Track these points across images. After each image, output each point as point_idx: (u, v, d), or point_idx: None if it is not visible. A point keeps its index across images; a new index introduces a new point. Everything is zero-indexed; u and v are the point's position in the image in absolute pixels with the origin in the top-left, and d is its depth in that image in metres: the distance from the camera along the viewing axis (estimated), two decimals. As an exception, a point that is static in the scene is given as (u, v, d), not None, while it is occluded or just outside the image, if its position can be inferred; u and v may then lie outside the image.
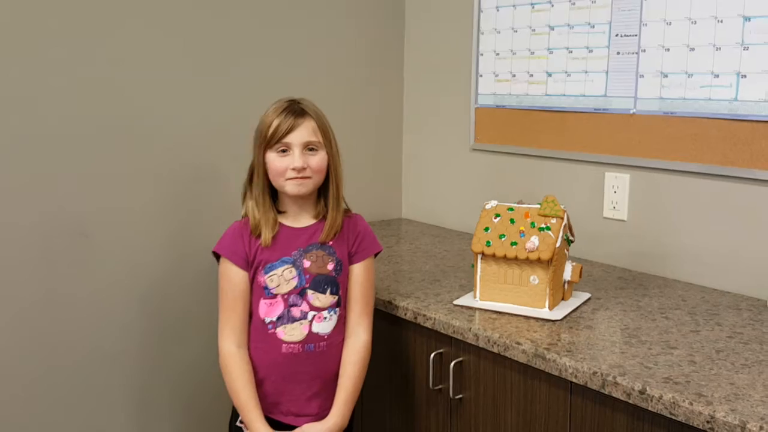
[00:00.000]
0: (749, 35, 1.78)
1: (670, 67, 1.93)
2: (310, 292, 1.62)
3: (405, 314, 1.74)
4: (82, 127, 2.00)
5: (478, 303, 1.71)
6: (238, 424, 1.66)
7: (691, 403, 1.22)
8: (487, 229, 1.72)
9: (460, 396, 1.66)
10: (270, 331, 1.61)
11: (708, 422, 1.19)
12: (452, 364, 1.64)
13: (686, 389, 1.27)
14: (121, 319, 2.13)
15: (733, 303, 1.77)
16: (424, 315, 1.69)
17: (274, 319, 1.61)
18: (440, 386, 1.70)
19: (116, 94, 2.05)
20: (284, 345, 1.61)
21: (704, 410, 1.20)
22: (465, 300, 1.74)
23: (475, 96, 2.44)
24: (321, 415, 1.63)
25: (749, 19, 1.77)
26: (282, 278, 1.61)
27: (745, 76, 1.80)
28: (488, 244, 1.69)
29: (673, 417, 1.24)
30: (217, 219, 2.20)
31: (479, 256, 1.72)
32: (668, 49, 1.93)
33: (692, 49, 1.89)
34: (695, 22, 1.87)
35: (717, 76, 1.84)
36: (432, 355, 1.69)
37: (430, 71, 2.62)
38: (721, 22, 1.82)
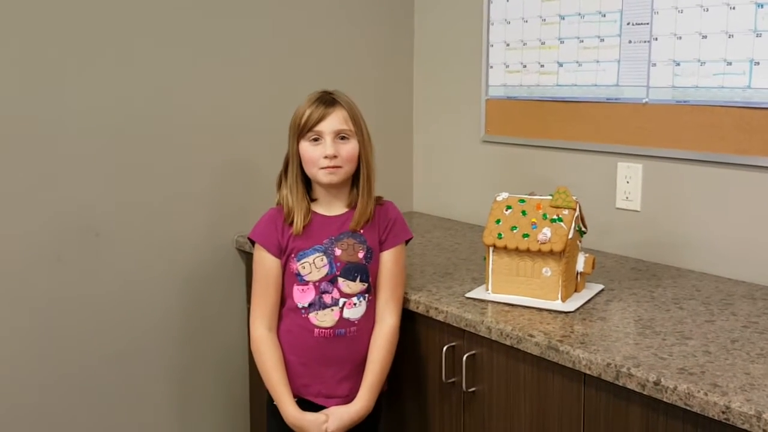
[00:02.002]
0: (762, 22, 1.76)
1: (683, 55, 1.91)
2: (340, 279, 1.67)
3: (417, 307, 1.73)
4: (97, 124, 2.01)
5: (491, 296, 1.71)
6: (275, 403, 1.70)
7: (706, 394, 1.21)
8: (498, 221, 1.71)
9: (473, 389, 1.65)
10: (303, 316, 1.67)
11: (723, 413, 1.18)
12: (465, 357, 1.63)
13: (701, 380, 1.25)
14: (146, 316, 2.16)
15: (748, 292, 1.75)
16: (436, 308, 1.68)
17: (306, 304, 1.66)
18: (453, 379, 1.69)
19: (133, 91, 2.06)
20: (316, 330, 1.66)
21: (719, 401, 1.19)
22: (477, 293, 1.73)
23: (486, 87, 2.43)
24: (351, 397, 1.68)
25: (762, 6, 1.75)
26: (313, 266, 1.66)
27: (758, 64, 1.78)
28: (500, 236, 1.69)
29: (688, 408, 1.23)
30: (246, 211, 2.26)
31: (491, 249, 1.71)
32: (680, 37, 1.91)
33: (704, 37, 1.87)
34: (707, 10, 1.85)
35: (730, 63, 1.82)
36: (444, 348, 1.68)
37: (440, 63, 2.61)
38: (734, 9, 1.80)
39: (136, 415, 2.16)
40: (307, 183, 1.71)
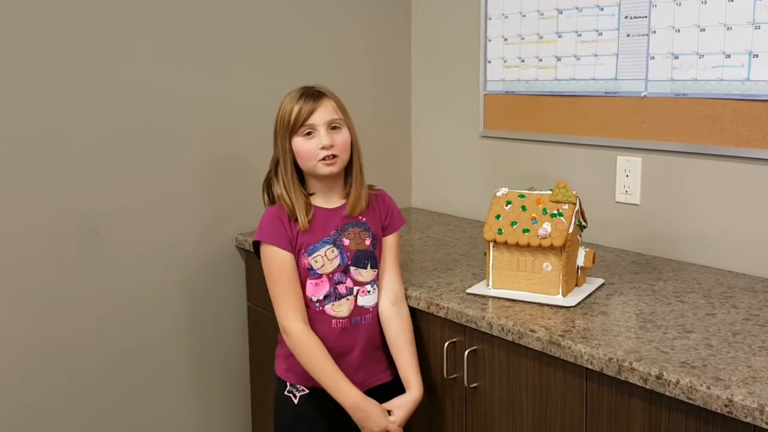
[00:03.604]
0: (761, 14, 1.75)
1: (681, 48, 1.91)
2: (352, 268, 1.69)
3: (418, 304, 1.73)
4: (96, 123, 2.00)
5: (491, 291, 1.70)
6: (286, 393, 1.71)
7: (708, 387, 1.21)
8: (498, 216, 1.71)
9: (475, 385, 1.65)
10: (318, 309, 1.67)
11: (726, 406, 1.18)
12: (466, 352, 1.63)
13: (703, 373, 1.25)
14: (145, 315, 2.15)
15: (749, 285, 1.75)
16: (437, 304, 1.68)
17: (322, 297, 1.67)
18: (455, 375, 1.69)
19: (131, 90, 2.06)
20: (333, 321, 1.68)
21: (722, 394, 1.19)
22: (478, 288, 1.73)
23: (484, 82, 2.43)
24: (366, 383, 1.69)
25: (760, -2, 1.75)
26: (325, 258, 1.67)
27: (757, 56, 1.77)
28: (500, 231, 1.68)
29: (691, 401, 1.23)
30: (244, 209, 2.27)
31: (491, 244, 1.70)
32: (679, 30, 1.91)
33: (703, 30, 1.86)
34: (705, 2, 1.85)
35: (729, 56, 1.82)
36: (446, 345, 1.68)
37: (438, 58, 2.60)
38: (732, 1, 1.80)
39: (135, 414, 2.16)
40: (300, 179, 1.70)
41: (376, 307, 1.71)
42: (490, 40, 2.39)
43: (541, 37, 2.24)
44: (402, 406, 1.65)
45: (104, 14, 1.99)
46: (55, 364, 2.00)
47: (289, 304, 1.65)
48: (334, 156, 1.63)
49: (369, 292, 1.70)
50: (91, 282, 2.04)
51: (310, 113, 1.62)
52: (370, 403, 1.61)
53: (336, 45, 2.47)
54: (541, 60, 2.24)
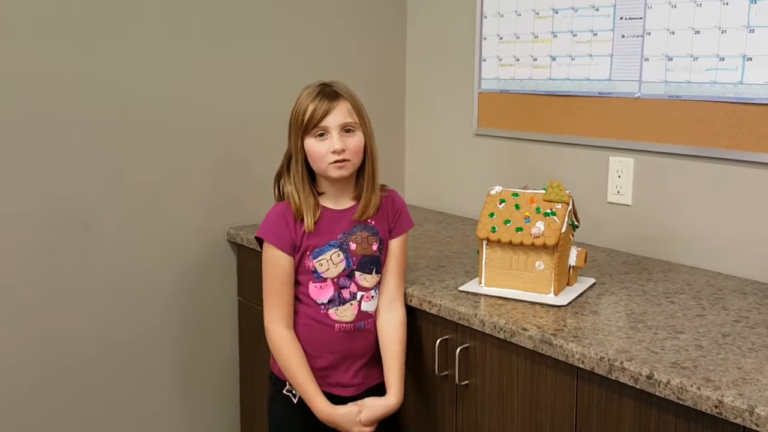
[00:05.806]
0: (755, 17, 1.76)
1: (675, 50, 1.92)
2: (357, 273, 1.67)
3: (410, 301, 1.73)
4: (89, 116, 2.00)
5: (484, 289, 1.71)
6: (285, 392, 1.70)
7: (698, 388, 1.22)
8: (492, 214, 1.71)
9: (466, 382, 1.66)
10: (322, 312, 1.66)
11: (716, 407, 1.19)
12: (458, 350, 1.64)
13: (694, 374, 1.26)
14: (136, 309, 2.15)
15: (739, 287, 1.76)
16: (430, 301, 1.69)
17: (325, 301, 1.66)
18: (446, 372, 1.70)
19: (126, 85, 2.06)
20: (337, 325, 1.66)
21: (712, 395, 1.20)
22: (470, 286, 1.74)
23: (479, 81, 2.43)
24: (364, 384, 1.71)
25: (755, 1, 1.76)
26: (330, 262, 1.65)
27: (750, 59, 1.78)
28: (493, 229, 1.69)
29: (681, 402, 1.24)
30: (237, 204, 2.28)
31: (484, 242, 1.71)
32: (673, 32, 1.92)
33: (697, 32, 1.87)
34: (700, 5, 1.86)
35: (722, 59, 1.83)
36: (438, 342, 1.68)
37: (433, 56, 2.60)
38: (727, 4, 1.81)
39: (123, 406, 2.16)
40: (311, 176, 1.67)
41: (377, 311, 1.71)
42: (485, 39, 2.39)
43: (536, 37, 2.24)
44: (372, 407, 1.63)
45: (104, 10, 1.98)
46: (45, 357, 2.00)
47: (276, 308, 1.64)
48: (344, 160, 1.60)
49: (372, 297, 1.69)
50: (81, 274, 2.03)
51: (324, 115, 1.58)
52: (339, 415, 1.61)
53: (331, 43, 2.46)
54: (535, 59, 2.25)
